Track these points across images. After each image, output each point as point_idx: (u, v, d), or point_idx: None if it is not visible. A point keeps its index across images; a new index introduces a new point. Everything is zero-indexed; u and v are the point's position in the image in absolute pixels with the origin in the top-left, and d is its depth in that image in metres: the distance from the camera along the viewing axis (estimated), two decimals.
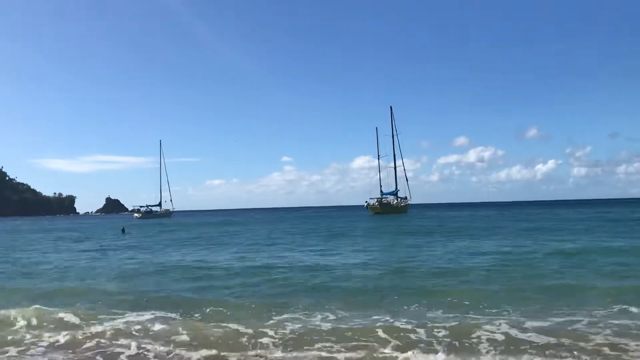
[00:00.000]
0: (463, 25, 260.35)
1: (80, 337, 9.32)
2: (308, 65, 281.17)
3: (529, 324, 9.40)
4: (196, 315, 10.98)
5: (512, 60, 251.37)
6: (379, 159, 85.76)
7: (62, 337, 9.33)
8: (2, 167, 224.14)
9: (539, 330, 8.99)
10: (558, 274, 15.42)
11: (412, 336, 8.83)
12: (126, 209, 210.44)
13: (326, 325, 9.78)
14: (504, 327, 9.18)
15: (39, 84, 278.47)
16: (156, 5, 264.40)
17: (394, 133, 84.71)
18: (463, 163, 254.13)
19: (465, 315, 10.39)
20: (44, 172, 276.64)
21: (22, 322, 10.41)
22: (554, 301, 11.43)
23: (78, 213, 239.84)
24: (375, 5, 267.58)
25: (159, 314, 11.05)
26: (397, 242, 29.03)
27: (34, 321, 10.48)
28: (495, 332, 8.93)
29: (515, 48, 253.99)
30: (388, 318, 10.17)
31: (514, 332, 8.95)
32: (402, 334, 8.97)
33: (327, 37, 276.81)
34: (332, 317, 10.53)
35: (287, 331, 9.45)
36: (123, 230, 52.99)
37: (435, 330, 9.16)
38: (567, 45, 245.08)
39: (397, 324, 9.67)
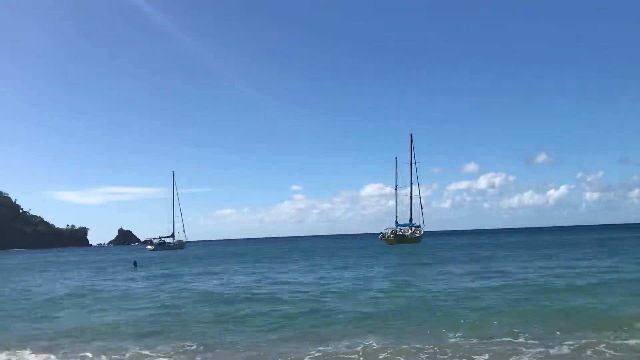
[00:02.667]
0: (469, 51, 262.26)
1: None
2: (316, 95, 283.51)
3: None
4: None
5: (516, 84, 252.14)
6: (396, 188, 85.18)
7: None
8: (16, 199, 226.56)
9: None
10: None
11: None
12: (138, 240, 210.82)
13: None
14: None
15: (50, 116, 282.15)
16: (166, 35, 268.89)
17: (413, 161, 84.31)
18: (474, 189, 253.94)
19: None
20: (57, 204, 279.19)
21: None
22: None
23: (91, 245, 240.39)
24: (380, 35, 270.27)
25: None
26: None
27: None
28: None
29: (520, 72, 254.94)
30: None
31: None
32: None
33: (336, 64, 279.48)
34: None
35: None
36: (135, 264, 51.81)
37: None
38: (574, 70, 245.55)
39: None
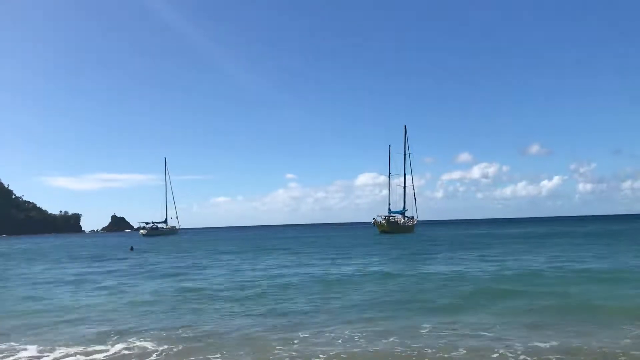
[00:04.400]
0: (464, 41, 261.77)
1: None
2: (310, 83, 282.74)
3: None
4: None
5: (510, 75, 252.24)
6: (389, 177, 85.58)
7: None
8: (8, 185, 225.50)
9: None
10: None
11: None
12: (132, 227, 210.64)
13: None
14: None
15: (42, 103, 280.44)
16: (159, 23, 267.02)
17: (406, 152, 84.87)
18: (467, 179, 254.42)
19: None
20: (50, 190, 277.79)
21: None
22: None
23: (84, 231, 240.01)
24: (376, 22, 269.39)
25: None
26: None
27: None
28: None
29: (514, 63, 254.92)
30: None
31: None
32: None
33: (331, 54, 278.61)
34: None
35: None
36: (131, 249, 53.89)
37: None
38: (568, 62, 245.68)
39: None
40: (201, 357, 10.04)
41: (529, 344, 10.22)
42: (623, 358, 9.28)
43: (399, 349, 10.20)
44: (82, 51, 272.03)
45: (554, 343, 10.29)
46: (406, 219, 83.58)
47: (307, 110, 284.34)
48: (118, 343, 11.29)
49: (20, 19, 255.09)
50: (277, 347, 10.51)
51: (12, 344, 11.59)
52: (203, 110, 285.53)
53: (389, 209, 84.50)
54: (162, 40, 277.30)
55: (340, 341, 10.93)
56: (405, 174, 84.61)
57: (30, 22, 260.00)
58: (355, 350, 10.22)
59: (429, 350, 10.00)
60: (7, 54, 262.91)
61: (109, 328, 12.90)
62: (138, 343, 11.24)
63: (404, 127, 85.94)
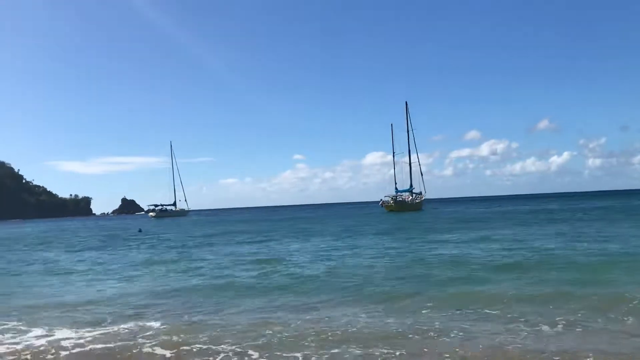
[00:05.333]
0: (473, 19, 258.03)
1: None
2: (318, 62, 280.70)
3: None
4: None
5: (519, 51, 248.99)
6: (394, 155, 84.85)
7: None
8: (19, 170, 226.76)
9: None
10: None
11: None
12: (142, 209, 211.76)
13: None
14: None
15: (51, 87, 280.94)
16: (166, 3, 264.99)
17: (409, 128, 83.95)
18: (476, 157, 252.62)
19: None
20: (60, 174, 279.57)
21: None
22: None
23: (94, 214, 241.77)
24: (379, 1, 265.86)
25: None
26: None
27: None
28: None
29: (522, 39, 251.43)
30: None
31: None
32: None
33: (338, 33, 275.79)
34: None
35: None
36: (140, 231, 54.56)
37: None
38: (576, 37, 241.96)
39: None
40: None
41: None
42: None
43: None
44: (89, 35, 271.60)
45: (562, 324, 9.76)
46: (414, 195, 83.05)
47: (314, 90, 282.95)
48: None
49: None
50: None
51: (16, 324, 11.33)
52: (209, 91, 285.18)
53: (396, 188, 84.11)
54: (169, 22, 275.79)
55: None
56: (409, 151, 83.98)
57: (38, 3, 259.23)
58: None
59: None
60: (15, 38, 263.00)
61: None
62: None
63: (405, 104, 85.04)
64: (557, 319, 9.83)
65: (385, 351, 8.33)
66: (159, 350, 8.85)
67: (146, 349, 8.98)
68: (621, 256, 17.77)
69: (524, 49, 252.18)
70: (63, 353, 9.03)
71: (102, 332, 10.32)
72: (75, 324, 11.04)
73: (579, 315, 10.09)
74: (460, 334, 9.10)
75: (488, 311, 10.68)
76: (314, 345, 8.83)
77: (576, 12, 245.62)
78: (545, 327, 9.29)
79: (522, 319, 9.90)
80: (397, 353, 8.20)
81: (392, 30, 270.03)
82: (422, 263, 18.56)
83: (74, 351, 9.11)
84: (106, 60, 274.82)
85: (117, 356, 8.71)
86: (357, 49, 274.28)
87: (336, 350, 8.48)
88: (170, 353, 8.72)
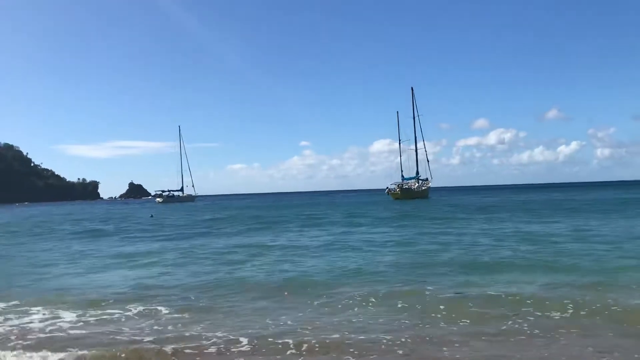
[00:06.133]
0: (481, 6, 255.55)
1: None
2: (324, 49, 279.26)
3: None
4: None
5: (528, 39, 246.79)
6: (399, 142, 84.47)
7: None
8: (27, 153, 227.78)
9: None
10: None
11: None
12: (149, 194, 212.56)
13: None
14: None
15: (60, 72, 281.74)
16: None
17: (415, 115, 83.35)
18: (483, 145, 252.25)
19: None
20: (67, 158, 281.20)
21: None
22: None
23: (102, 198, 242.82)
24: None
25: None
26: None
27: None
28: None
29: (533, 28, 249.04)
30: None
31: None
32: None
33: (344, 20, 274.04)
34: None
35: None
36: (152, 216, 55.03)
37: None
38: (585, 26, 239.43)
39: None
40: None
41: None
42: None
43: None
44: (99, 19, 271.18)
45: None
46: (420, 182, 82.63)
47: (320, 78, 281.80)
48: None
49: None
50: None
51: (18, 303, 11.44)
52: (219, 79, 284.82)
53: (402, 176, 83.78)
54: (178, 10, 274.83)
55: None
56: (415, 138, 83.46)
57: None
58: None
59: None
60: (24, 22, 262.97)
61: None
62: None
63: (411, 90, 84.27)
64: None
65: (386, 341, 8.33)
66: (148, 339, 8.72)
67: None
68: None
69: (535, 36, 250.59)
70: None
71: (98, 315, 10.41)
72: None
73: None
74: None
75: None
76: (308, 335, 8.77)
77: (584, 3, 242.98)
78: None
79: None
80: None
81: (400, 16, 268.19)
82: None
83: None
84: (116, 45, 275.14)
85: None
86: (365, 36, 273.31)
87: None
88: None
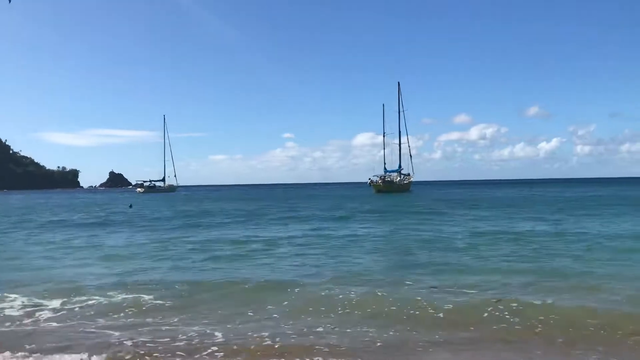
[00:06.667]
0: (465, 2, 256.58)
1: None
2: (308, 44, 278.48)
3: None
4: None
5: (510, 37, 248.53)
6: (384, 135, 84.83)
7: None
8: (6, 140, 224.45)
9: None
10: None
11: None
12: (130, 183, 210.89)
13: None
14: None
15: (41, 57, 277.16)
16: None
17: (400, 109, 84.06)
18: (465, 140, 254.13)
19: None
20: (47, 145, 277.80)
21: None
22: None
23: (82, 187, 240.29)
24: None
25: None
26: None
27: None
28: None
29: (515, 25, 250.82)
30: None
31: None
32: None
33: (328, 13, 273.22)
34: None
35: None
36: (130, 206, 54.28)
37: None
38: (566, 23, 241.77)
39: None
40: None
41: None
42: None
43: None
44: (82, 6, 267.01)
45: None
46: (402, 176, 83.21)
47: (303, 69, 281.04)
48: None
49: None
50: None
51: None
52: (202, 69, 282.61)
53: (385, 168, 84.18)
54: (165, 3, 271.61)
55: None
56: (400, 132, 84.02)
57: None
58: None
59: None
60: (2, 7, 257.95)
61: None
62: None
63: (397, 84, 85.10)
64: None
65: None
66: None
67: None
68: None
69: (517, 34, 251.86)
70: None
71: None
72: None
73: None
74: None
75: None
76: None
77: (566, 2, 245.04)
78: None
79: None
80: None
81: (384, 9, 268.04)
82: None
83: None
84: (98, 32, 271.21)
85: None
86: (349, 28, 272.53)
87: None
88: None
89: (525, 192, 76.88)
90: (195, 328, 8.74)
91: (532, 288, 11.38)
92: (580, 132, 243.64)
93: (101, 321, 9.33)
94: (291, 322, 9.10)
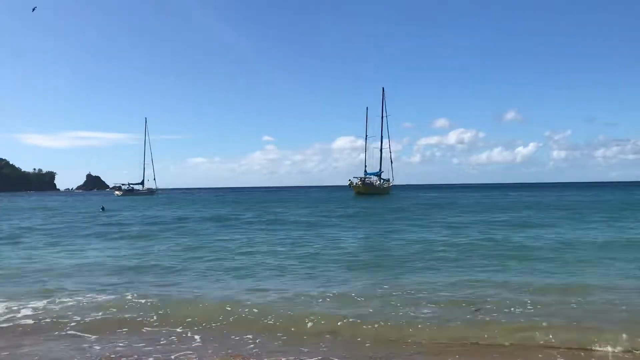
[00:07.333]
0: (444, 8, 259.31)
1: None
2: (290, 48, 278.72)
3: None
4: None
5: (489, 43, 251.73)
6: (366, 139, 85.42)
7: None
8: None
9: None
10: None
11: None
12: (107, 186, 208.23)
13: None
14: None
15: (18, 57, 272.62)
16: None
17: (384, 114, 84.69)
18: (444, 144, 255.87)
19: None
20: (23, 147, 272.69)
21: None
22: None
23: (58, 189, 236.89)
24: None
25: None
26: None
27: None
28: None
29: (493, 32, 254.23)
30: None
31: None
32: None
33: (311, 17, 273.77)
34: None
35: None
36: (103, 209, 52.76)
37: None
38: (543, 31, 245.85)
39: None
40: None
41: None
42: None
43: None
44: (59, 6, 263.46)
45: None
46: (382, 181, 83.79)
47: (285, 73, 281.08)
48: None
49: None
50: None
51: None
52: (182, 71, 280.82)
53: (365, 171, 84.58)
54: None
55: None
56: (382, 137, 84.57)
57: None
58: None
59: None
60: None
61: None
62: None
63: (382, 90, 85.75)
64: None
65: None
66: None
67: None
68: None
69: (495, 38, 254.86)
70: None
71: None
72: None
73: None
74: None
75: None
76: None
77: (544, 6, 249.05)
78: None
79: None
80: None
81: (366, 16, 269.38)
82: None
83: None
84: (77, 33, 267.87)
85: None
86: (331, 34, 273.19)
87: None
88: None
89: (498, 197, 77.76)
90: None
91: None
92: (556, 137, 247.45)
93: None
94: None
